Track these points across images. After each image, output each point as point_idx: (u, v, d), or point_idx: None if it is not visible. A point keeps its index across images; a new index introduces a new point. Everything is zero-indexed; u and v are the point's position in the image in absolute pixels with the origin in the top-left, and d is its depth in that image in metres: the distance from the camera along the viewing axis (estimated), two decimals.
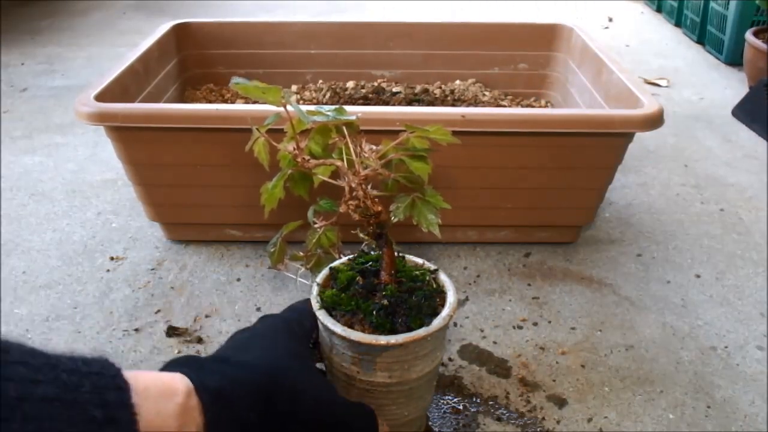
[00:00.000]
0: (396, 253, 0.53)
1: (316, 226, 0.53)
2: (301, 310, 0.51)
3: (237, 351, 0.44)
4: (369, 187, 0.48)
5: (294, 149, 0.48)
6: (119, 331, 0.70)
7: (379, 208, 0.48)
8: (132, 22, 1.91)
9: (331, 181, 0.49)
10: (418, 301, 0.49)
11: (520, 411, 0.61)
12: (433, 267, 0.53)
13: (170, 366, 0.38)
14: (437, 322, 0.48)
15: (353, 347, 0.48)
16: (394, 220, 0.50)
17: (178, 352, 0.67)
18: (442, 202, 0.50)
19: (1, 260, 0.82)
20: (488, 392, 0.63)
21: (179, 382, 0.35)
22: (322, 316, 0.48)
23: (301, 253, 0.55)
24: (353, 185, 0.47)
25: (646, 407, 0.61)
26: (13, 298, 0.75)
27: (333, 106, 0.49)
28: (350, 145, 0.48)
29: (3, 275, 0.79)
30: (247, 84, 0.46)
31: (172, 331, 0.70)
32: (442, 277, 0.52)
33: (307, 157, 0.48)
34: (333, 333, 0.48)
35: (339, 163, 0.48)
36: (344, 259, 0.54)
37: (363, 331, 0.47)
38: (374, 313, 0.48)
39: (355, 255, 0.54)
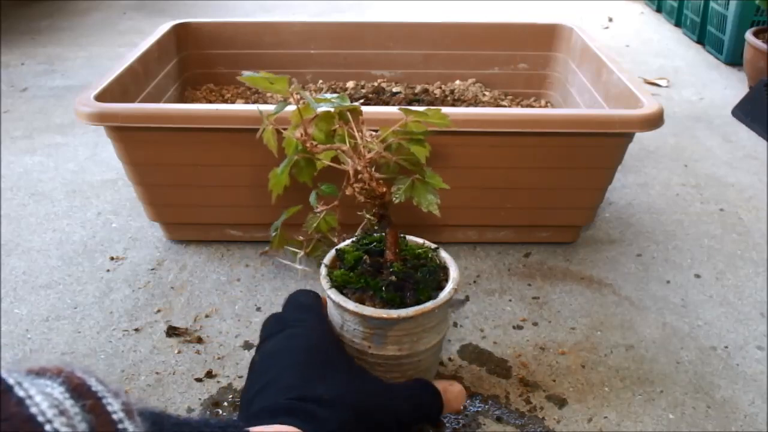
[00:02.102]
0: (398, 234, 0.55)
1: (317, 211, 0.54)
2: (313, 305, 0.54)
3: (310, 383, 0.46)
4: (373, 169, 0.50)
5: (301, 135, 0.50)
6: (119, 331, 0.70)
7: (384, 190, 0.50)
8: (132, 22, 1.91)
9: (335, 165, 0.51)
10: (423, 276, 0.52)
11: (520, 411, 0.61)
12: (433, 246, 0.56)
13: (271, 415, 0.42)
14: (443, 295, 0.51)
15: (365, 323, 0.50)
16: (395, 201, 0.52)
17: (178, 352, 0.67)
18: (441, 182, 0.52)
19: (1, 260, 0.82)
20: (488, 392, 0.63)
21: None
22: (334, 295, 0.51)
23: (301, 238, 0.56)
24: (359, 168, 0.49)
25: (646, 407, 0.61)
26: (13, 298, 0.75)
27: (337, 94, 0.50)
28: (354, 131, 0.50)
29: (3, 275, 0.79)
30: (256, 76, 0.48)
31: (172, 331, 0.70)
32: (443, 255, 0.55)
33: (314, 142, 0.50)
34: (345, 310, 0.50)
35: (345, 148, 0.49)
36: (348, 241, 0.56)
37: (374, 306, 0.50)
38: (383, 288, 0.51)
39: (359, 237, 0.56)
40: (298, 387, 0.45)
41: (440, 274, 0.53)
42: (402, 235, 0.57)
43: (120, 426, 0.24)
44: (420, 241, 0.57)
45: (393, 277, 0.51)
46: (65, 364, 0.25)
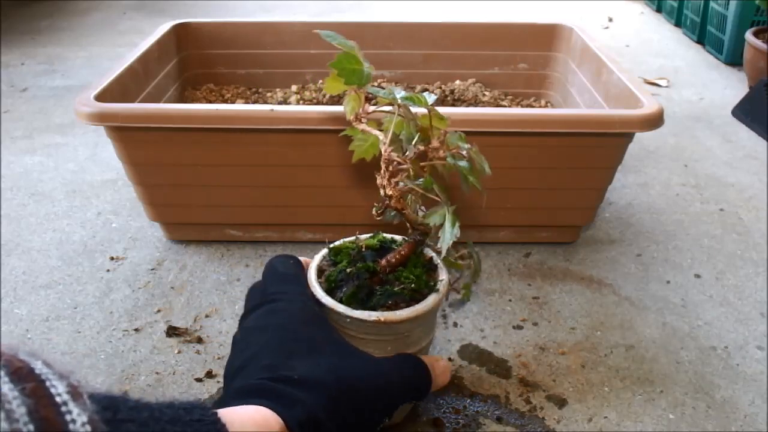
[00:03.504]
0: (432, 259, 0.54)
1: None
2: (294, 275, 0.52)
3: (287, 361, 0.44)
4: (403, 176, 0.49)
5: (358, 110, 0.51)
6: (119, 331, 0.70)
7: (390, 192, 0.49)
8: (132, 22, 1.91)
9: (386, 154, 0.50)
10: (372, 290, 0.51)
11: (520, 411, 0.61)
12: (443, 280, 0.53)
13: (243, 396, 0.40)
14: (357, 314, 0.49)
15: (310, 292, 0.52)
16: (424, 219, 0.50)
17: (178, 352, 0.67)
18: (457, 224, 0.50)
19: (1, 260, 0.82)
20: (488, 392, 0.63)
21: (270, 417, 0.38)
22: (315, 258, 0.54)
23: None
24: (381, 162, 0.49)
25: (646, 407, 0.61)
26: (13, 298, 0.75)
27: (408, 93, 0.50)
28: (392, 123, 0.50)
29: (3, 275, 0.79)
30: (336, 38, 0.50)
31: (172, 331, 0.70)
32: (432, 296, 0.51)
33: (363, 119, 0.51)
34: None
35: (381, 136, 0.49)
36: (397, 237, 0.56)
37: (321, 283, 0.52)
38: (338, 273, 0.52)
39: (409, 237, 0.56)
40: (275, 366, 0.43)
41: (398, 301, 0.51)
42: (434, 263, 0.54)
43: (63, 408, 0.24)
44: (444, 276, 0.53)
45: (349, 269, 0.52)
46: (9, 347, 0.24)
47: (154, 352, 0.67)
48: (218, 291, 0.77)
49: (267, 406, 0.39)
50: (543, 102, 1.11)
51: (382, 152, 0.49)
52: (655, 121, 0.72)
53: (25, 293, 0.76)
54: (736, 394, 0.63)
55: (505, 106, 1.08)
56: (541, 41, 1.09)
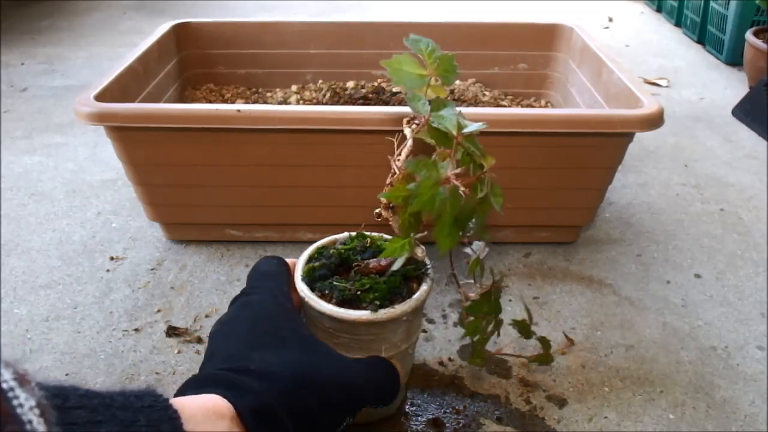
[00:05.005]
0: (421, 284, 0.53)
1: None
2: (274, 273, 0.54)
3: (249, 353, 0.44)
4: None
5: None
6: (119, 331, 0.70)
7: (384, 201, 0.50)
8: (132, 22, 1.91)
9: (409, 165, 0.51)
10: (328, 276, 0.53)
11: (520, 411, 0.61)
12: (391, 307, 0.51)
13: (199, 385, 0.40)
14: (300, 285, 0.52)
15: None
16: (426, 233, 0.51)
17: (178, 352, 0.67)
18: (403, 258, 0.51)
19: (1, 260, 0.82)
20: (488, 392, 0.63)
21: (222, 405, 0.38)
22: (338, 236, 0.57)
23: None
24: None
25: (646, 407, 0.61)
26: (13, 298, 0.75)
27: (442, 113, 0.52)
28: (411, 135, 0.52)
29: (3, 275, 0.79)
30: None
31: (172, 331, 0.70)
32: (360, 312, 0.50)
33: (413, 124, 0.55)
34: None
35: (409, 136, 0.52)
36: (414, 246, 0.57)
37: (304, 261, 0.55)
38: (315, 260, 0.55)
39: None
40: (236, 357, 0.43)
41: (332, 296, 0.51)
42: (424, 286, 0.53)
43: (10, 394, 0.24)
44: (404, 307, 0.51)
45: (325, 261, 0.54)
46: None
47: (154, 352, 0.67)
48: (218, 291, 0.77)
49: (220, 395, 0.39)
50: (543, 102, 1.11)
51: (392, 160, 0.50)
52: (655, 121, 0.72)
53: (25, 293, 0.76)
54: (736, 394, 0.63)
55: (505, 106, 1.08)
56: (541, 41, 1.09)
